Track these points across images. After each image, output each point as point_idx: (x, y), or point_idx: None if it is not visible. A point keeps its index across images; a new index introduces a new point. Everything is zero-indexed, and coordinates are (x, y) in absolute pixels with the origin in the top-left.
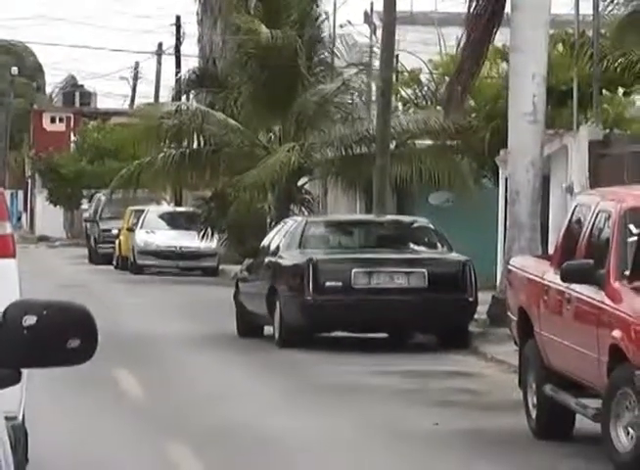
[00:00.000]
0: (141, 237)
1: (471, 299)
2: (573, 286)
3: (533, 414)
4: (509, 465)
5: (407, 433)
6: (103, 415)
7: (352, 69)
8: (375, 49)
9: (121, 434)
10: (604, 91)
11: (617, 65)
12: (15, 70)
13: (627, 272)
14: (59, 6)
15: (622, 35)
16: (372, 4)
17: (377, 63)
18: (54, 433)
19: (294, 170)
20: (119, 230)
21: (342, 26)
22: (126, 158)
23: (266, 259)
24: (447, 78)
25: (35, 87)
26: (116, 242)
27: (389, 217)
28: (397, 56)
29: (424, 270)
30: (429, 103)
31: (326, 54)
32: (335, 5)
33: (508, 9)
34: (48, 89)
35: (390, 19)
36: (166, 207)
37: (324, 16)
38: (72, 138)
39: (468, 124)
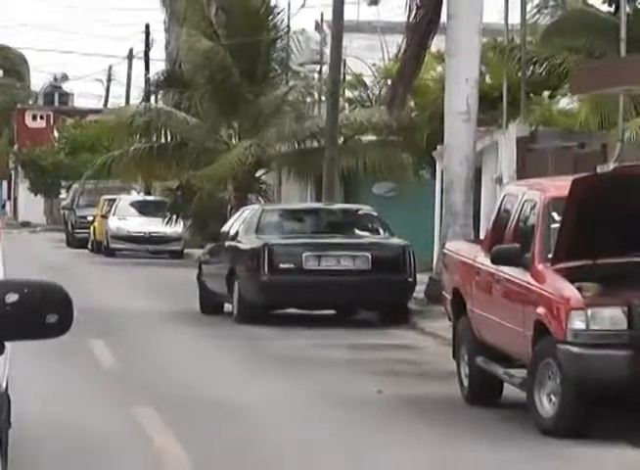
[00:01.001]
0: (113, 223)
1: (410, 279)
2: (502, 268)
3: (465, 383)
4: (444, 427)
5: (353, 399)
6: (79, 381)
7: (305, 69)
8: (325, 54)
9: (95, 397)
10: (531, 93)
11: (542, 68)
12: None
13: (550, 256)
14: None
15: (548, 41)
16: (322, 14)
17: (326, 66)
18: (35, 398)
19: (251, 163)
20: (94, 217)
21: (294, 34)
22: (101, 151)
23: (226, 244)
24: (390, 81)
25: (19, 87)
26: (91, 228)
27: (337, 206)
28: (345, 61)
29: (368, 254)
30: (373, 102)
31: (281, 57)
32: (289, 14)
33: (444, 18)
34: (33, 88)
35: (339, 27)
36: (137, 196)
37: (279, 24)
38: (52, 134)
39: (409, 122)
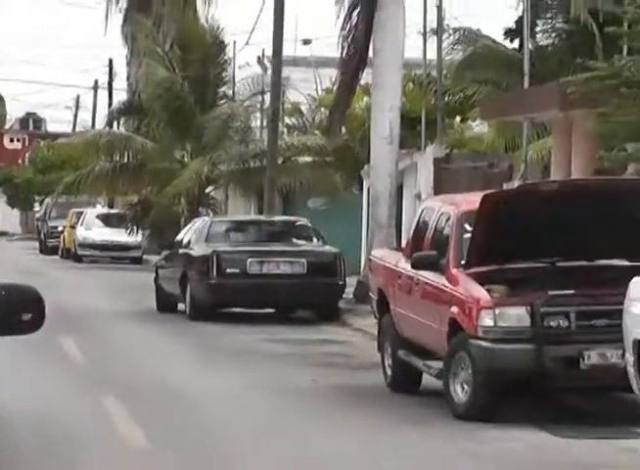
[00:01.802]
0: (81, 233)
1: (340, 282)
2: (421, 272)
3: (389, 372)
4: (370, 411)
5: (290, 387)
6: (49, 373)
7: (250, 99)
8: (266, 85)
9: (64, 386)
10: (446, 119)
11: (456, 98)
12: None
13: (463, 261)
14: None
15: (461, 75)
16: (263, 50)
17: (268, 96)
18: (9, 388)
19: (202, 181)
20: (64, 227)
21: (240, 68)
22: (69, 170)
23: (180, 251)
24: (323, 109)
25: None
26: (61, 237)
27: (277, 218)
28: (284, 91)
29: (303, 260)
30: (308, 128)
31: (227, 88)
32: (234, 50)
33: (371, 54)
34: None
35: (278, 62)
36: (101, 209)
37: (226, 58)
38: (26, 155)
39: (341, 145)
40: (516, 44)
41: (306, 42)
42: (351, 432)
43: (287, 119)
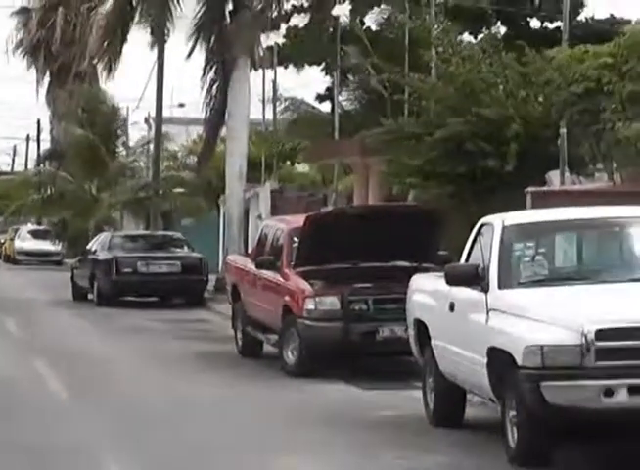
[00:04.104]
0: (18, 243)
1: (204, 278)
2: (262, 271)
3: (240, 343)
4: (226, 371)
5: (167, 353)
6: None
7: (139, 147)
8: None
9: (7, 353)
10: (280, 162)
11: (287, 147)
12: None
13: (292, 263)
14: None
15: (291, 130)
16: (149, 112)
17: (152, 145)
18: None
19: (105, 206)
20: (5, 240)
21: (132, 125)
22: (8, 200)
23: (89, 256)
24: (192, 155)
25: None
26: (3, 247)
27: (159, 233)
28: (164, 142)
29: (178, 262)
30: (182, 168)
31: (123, 140)
32: (128, 112)
33: (226, 116)
34: None
35: (159, 121)
36: (32, 226)
37: (122, 118)
38: None
39: (206, 180)
40: (328, 108)
41: (181, 105)
42: (209, 384)
43: (166, 162)
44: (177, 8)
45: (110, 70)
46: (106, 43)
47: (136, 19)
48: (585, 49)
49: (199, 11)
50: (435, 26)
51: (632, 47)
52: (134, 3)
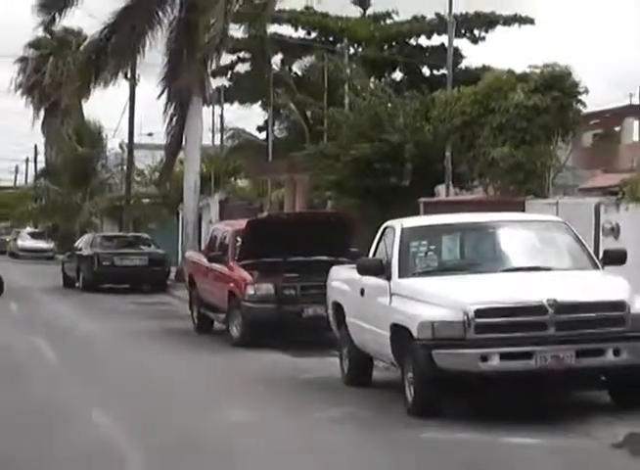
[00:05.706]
0: (19, 242)
1: (167, 270)
2: (213, 264)
3: (196, 321)
4: (183, 344)
5: (137, 329)
6: (2, 323)
7: (115, 166)
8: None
9: (10, 330)
10: (226, 178)
11: (231, 166)
12: None
13: (236, 258)
14: None
15: (234, 153)
16: (122, 140)
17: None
18: None
19: (88, 213)
20: (10, 239)
21: (110, 150)
22: (10, 208)
23: (76, 252)
24: (156, 173)
25: None
26: (8, 245)
27: (130, 234)
28: (134, 163)
29: (146, 257)
30: (148, 183)
31: (103, 161)
32: (106, 138)
33: (184, 142)
34: None
35: (131, 146)
36: (30, 229)
37: (103, 143)
38: None
39: (167, 192)
40: (264, 136)
41: (149, 134)
42: (171, 353)
43: (136, 178)
44: (144, 57)
45: (80, 105)
46: (77, 85)
47: (108, 66)
48: (460, 91)
49: (163, 62)
50: (348, 70)
51: (493, 85)
52: (104, 55)
